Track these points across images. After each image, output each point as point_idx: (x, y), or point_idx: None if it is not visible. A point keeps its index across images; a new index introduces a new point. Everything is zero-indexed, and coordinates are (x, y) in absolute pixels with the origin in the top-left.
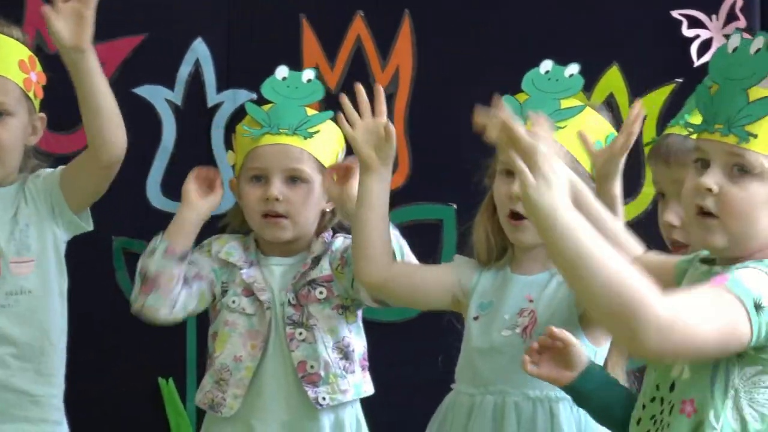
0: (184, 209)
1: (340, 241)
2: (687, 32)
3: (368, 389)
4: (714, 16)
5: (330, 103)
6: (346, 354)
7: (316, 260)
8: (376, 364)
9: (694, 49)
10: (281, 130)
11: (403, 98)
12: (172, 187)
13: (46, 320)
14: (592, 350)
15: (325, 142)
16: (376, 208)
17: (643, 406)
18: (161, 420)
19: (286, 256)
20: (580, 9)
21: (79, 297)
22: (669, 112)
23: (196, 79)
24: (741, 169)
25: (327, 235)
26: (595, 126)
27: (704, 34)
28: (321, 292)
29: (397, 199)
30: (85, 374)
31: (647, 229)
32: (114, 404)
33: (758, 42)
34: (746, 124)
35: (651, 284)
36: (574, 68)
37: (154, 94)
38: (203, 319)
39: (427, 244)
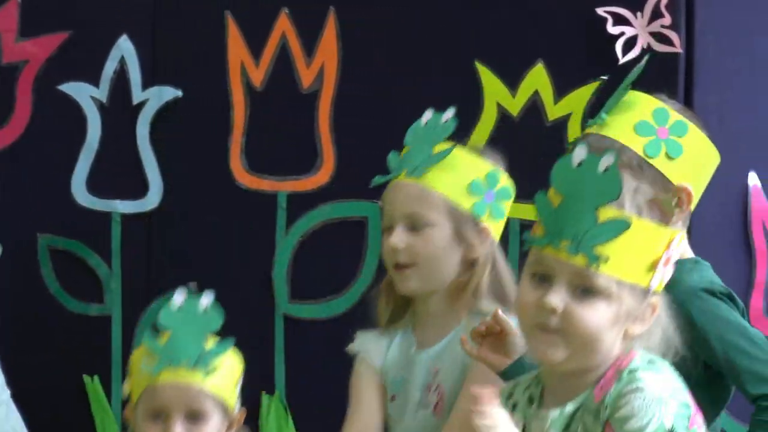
0: None
1: None
2: (612, 29)
3: None
4: (639, 13)
5: (254, 101)
6: None
7: None
8: (301, 361)
9: (619, 46)
10: (180, 366)
11: (328, 96)
12: (98, 185)
13: None
14: None
15: (225, 375)
16: None
17: None
18: (86, 418)
19: None
20: (504, 6)
21: (3, 294)
22: (594, 110)
23: (121, 76)
24: (585, 290)
25: None
26: (469, 165)
27: (629, 31)
28: None
29: (321, 196)
30: (9, 372)
31: None
32: (38, 402)
33: (607, 160)
34: (596, 245)
35: None
36: (449, 113)
37: (79, 91)
38: (128, 317)
39: (352, 242)
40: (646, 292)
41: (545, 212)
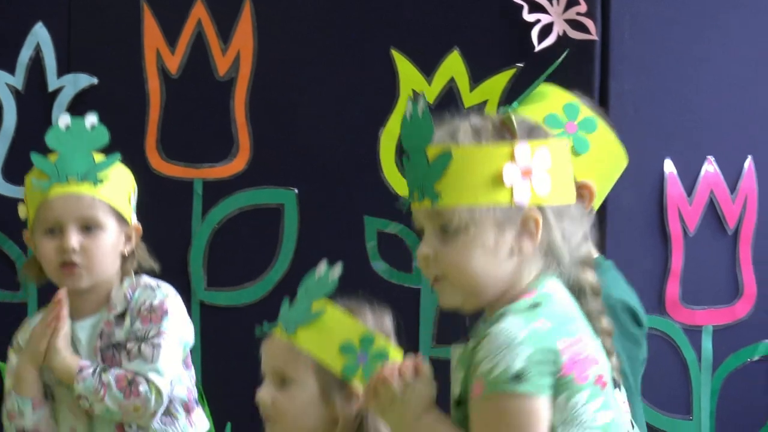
0: (30, 361)
1: (138, 293)
2: (528, 17)
3: (200, 427)
4: (555, 1)
5: (170, 88)
6: (165, 409)
7: (120, 319)
8: (218, 348)
9: (534, 33)
10: (70, 179)
11: (244, 83)
12: (13, 172)
13: None
14: None
15: (116, 186)
16: None
17: None
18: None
19: (86, 315)
20: None
21: None
22: (510, 97)
23: (36, 63)
24: (445, 229)
25: (129, 290)
26: (343, 327)
27: (545, 18)
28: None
29: (238, 183)
30: None
31: None
32: None
33: (421, 103)
34: (434, 183)
35: None
36: (92, 119)
37: None
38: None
39: (268, 229)
40: (514, 209)
41: (406, 173)
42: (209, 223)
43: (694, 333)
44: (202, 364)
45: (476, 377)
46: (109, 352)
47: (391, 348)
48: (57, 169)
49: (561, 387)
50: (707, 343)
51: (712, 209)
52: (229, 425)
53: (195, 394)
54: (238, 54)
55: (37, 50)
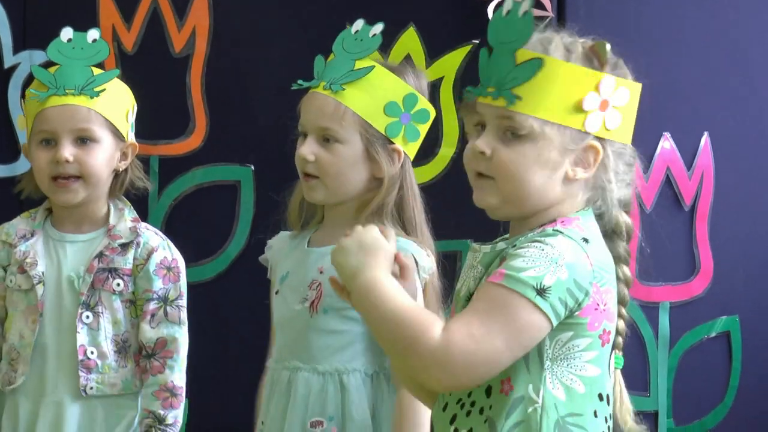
0: None
1: (157, 252)
2: None
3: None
4: None
5: (125, 65)
6: (121, 348)
7: (124, 248)
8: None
9: (490, 10)
10: (67, 91)
11: (200, 59)
12: None
13: None
14: None
15: (113, 101)
16: None
17: (449, 393)
18: None
19: (80, 231)
20: None
21: None
22: (466, 74)
23: None
24: (512, 132)
25: (134, 224)
26: (389, 86)
27: None
28: (118, 284)
29: (194, 160)
30: None
31: (444, 190)
32: None
33: (525, 4)
34: (513, 86)
35: (432, 318)
36: (378, 28)
37: None
38: None
39: (224, 205)
40: (581, 134)
41: (482, 65)
42: (166, 199)
43: (651, 309)
44: None
45: (501, 268)
46: (104, 275)
47: (431, 109)
48: (56, 79)
49: (570, 325)
50: (664, 320)
51: (669, 186)
52: (186, 401)
53: None
54: (193, 30)
55: None
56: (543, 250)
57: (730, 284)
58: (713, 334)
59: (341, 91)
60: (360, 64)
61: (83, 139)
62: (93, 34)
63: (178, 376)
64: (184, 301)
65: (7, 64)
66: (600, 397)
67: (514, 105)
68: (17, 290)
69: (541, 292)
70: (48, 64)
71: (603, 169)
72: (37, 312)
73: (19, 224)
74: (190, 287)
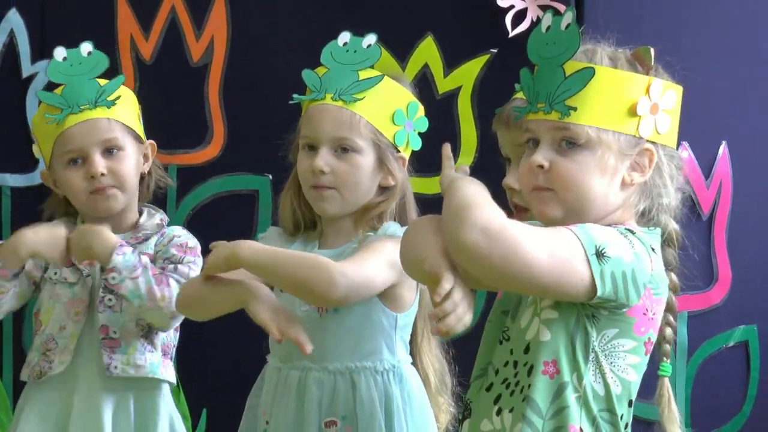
0: (23, 237)
1: (179, 237)
2: (501, 2)
3: (167, 375)
4: None
5: (143, 74)
6: (147, 334)
7: (147, 237)
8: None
9: (508, 19)
10: (82, 107)
11: (218, 69)
12: None
13: None
14: (392, 316)
15: (126, 106)
16: None
17: (496, 372)
18: None
19: (115, 232)
20: None
21: None
22: (484, 83)
23: (10, 49)
24: (569, 143)
25: (164, 218)
26: (395, 95)
27: (518, 4)
28: None
29: (212, 170)
30: None
31: None
32: None
33: (567, 18)
34: (566, 98)
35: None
36: (371, 39)
37: None
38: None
39: (242, 215)
40: (636, 139)
41: (526, 84)
42: (184, 209)
43: None
44: (178, 353)
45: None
46: None
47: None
48: (67, 99)
49: (617, 322)
50: (682, 329)
51: (687, 195)
52: (204, 411)
53: (172, 351)
54: (211, 40)
55: (11, 36)
56: (618, 230)
57: (749, 293)
58: (731, 344)
59: (354, 102)
60: (363, 75)
61: (110, 150)
62: (86, 47)
63: None
64: (197, 270)
65: (25, 74)
66: (629, 403)
67: (569, 116)
68: (62, 282)
69: (600, 255)
70: (49, 88)
71: (658, 173)
72: (81, 304)
73: (62, 224)
74: None
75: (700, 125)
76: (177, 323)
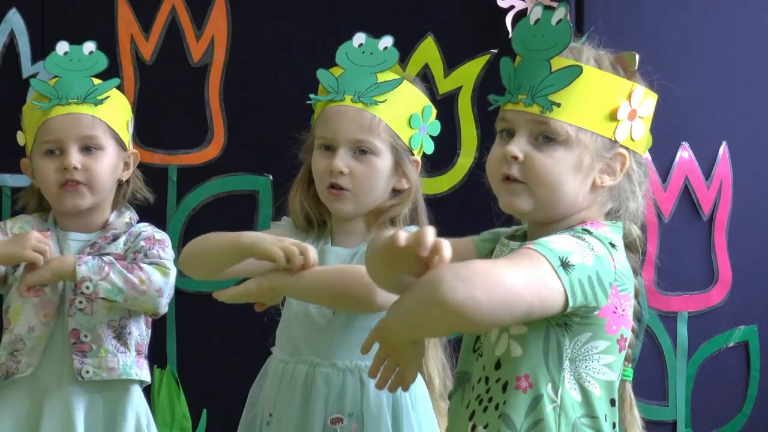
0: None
1: (146, 231)
2: (501, 3)
3: (142, 375)
4: None
5: (144, 75)
6: (120, 335)
7: (115, 237)
8: (192, 335)
9: (508, 19)
10: (70, 101)
11: (218, 69)
12: None
13: None
14: None
15: (115, 110)
16: None
17: (472, 388)
18: None
19: (84, 231)
20: None
21: None
22: (484, 83)
23: (10, 49)
24: (546, 138)
25: (133, 216)
26: (412, 99)
27: (518, 4)
28: None
29: (212, 170)
30: None
31: (463, 199)
32: None
33: (559, 13)
34: (550, 93)
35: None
36: (387, 41)
37: None
38: None
39: (242, 215)
40: (611, 143)
41: (507, 74)
42: (184, 209)
43: (669, 319)
44: (177, 352)
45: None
46: None
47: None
48: (57, 90)
49: (589, 326)
50: (682, 330)
51: (687, 195)
52: (204, 412)
53: (145, 349)
54: (212, 40)
55: (11, 37)
56: (574, 236)
57: (749, 294)
58: (731, 344)
59: (375, 104)
60: (381, 77)
61: (89, 147)
62: (89, 46)
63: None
64: (167, 254)
65: (25, 74)
66: (612, 402)
67: (552, 111)
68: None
69: (565, 265)
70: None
71: (628, 178)
72: (51, 306)
73: (32, 221)
74: (208, 297)
75: (700, 125)
76: (167, 301)
